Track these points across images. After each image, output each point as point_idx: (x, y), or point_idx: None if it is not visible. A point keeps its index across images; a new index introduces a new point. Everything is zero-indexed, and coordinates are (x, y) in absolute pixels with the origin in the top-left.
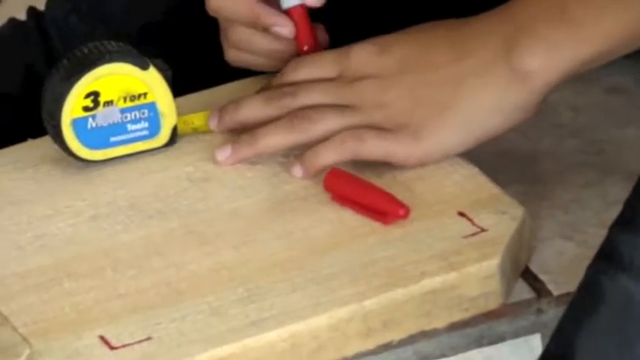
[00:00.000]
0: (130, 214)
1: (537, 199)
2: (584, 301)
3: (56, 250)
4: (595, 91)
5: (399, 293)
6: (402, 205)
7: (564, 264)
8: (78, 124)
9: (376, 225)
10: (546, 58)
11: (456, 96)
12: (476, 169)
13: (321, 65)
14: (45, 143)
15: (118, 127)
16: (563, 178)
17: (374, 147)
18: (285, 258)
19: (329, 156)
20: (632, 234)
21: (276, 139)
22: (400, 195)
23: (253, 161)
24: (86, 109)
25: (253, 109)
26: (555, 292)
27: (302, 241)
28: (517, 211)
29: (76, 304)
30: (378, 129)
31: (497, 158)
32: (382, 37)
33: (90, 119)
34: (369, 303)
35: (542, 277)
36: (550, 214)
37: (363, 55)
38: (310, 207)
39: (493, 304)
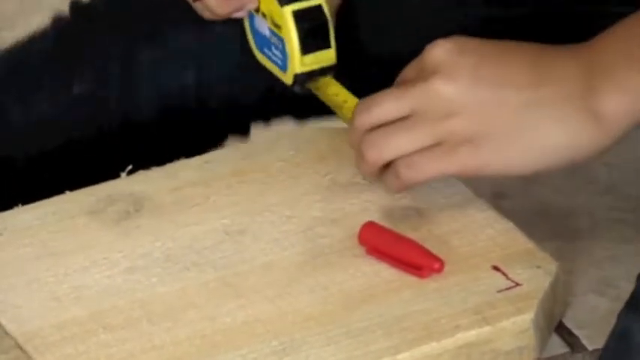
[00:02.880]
0: (165, 266)
1: (571, 254)
2: (617, 352)
3: (92, 301)
4: (630, 147)
5: (432, 347)
6: (436, 258)
7: (598, 319)
8: (251, 19)
9: (411, 279)
10: (622, 102)
11: (524, 124)
12: (510, 224)
13: (402, 97)
14: (82, 195)
15: (266, 42)
16: (597, 234)
17: (426, 172)
18: (320, 311)
19: (431, 167)
20: None
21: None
22: (435, 249)
23: (289, 215)
24: (256, 9)
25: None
26: (589, 347)
27: (336, 295)
28: (551, 266)
29: (111, 355)
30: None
31: (532, 214)
32: (464, 37)
33: (256, 19)
34: (403, 357)
35: (576, 332)
36: (584, 270)
37: (438, 52)
38: (345, 260)
39: (527, 358)
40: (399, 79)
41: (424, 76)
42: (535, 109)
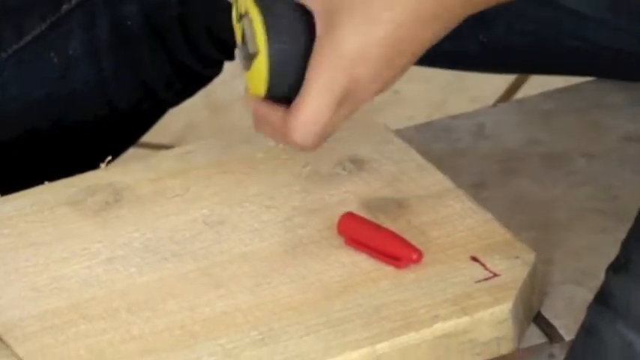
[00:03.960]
0: (145, 256)
1: (550, 244)
2: (585, 345)
3: (72, 292)
4: (609, 138)
5: (411, 337)
6: (415, 249)
7: (576, 309)
8: None
9: (389, 269)
10: None
11: None
12: (489, 215)
13: None
14: (61, 186)
15: None
16: (576, 224)
17: None
18: (299, 301)
19: None
20: (626, 278)
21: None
22: (413, 239)
23: (268, 205)
24: None
25: None
26: (567, 338)
27: (315, 285)
28: (529, 257)
29: (91, 345)
30: None
31: (511, 204)
32: None
33: None
34: (382, 347)
35: (554, 322)
36: (562, 260)
37: None
38: (324, 251)
39: (505, 348)
40: None
41: None
42: None
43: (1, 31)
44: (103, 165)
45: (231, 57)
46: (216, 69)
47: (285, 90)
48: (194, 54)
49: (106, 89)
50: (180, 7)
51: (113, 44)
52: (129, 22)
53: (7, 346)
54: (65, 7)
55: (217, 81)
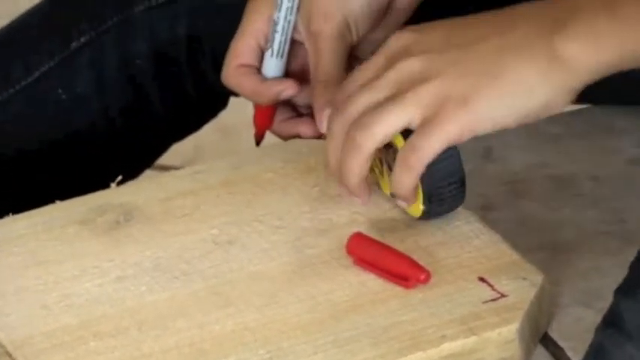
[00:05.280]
0: (155, 275)
1: (557, 266)
2: None
3: (82, 309)
4: (616, 162)
5: (419, 357)
6: (423, 269)
7: (583, 331)
8: None
9: (397, 289)
10: (588, 45)
11: (498, 66)
12: (497, 236)
13: (366, 71)
14: (72, 205)
15: None
16: (583, 246)
17: (431, 148)
18: (307, 320)
19: (435, 137)
20: (635, 300)
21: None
22: (422, 260)
23: (277, 225)
24: None
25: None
26: (574, 359)
27: (324, 304)
28: (537, 278)
29: None
30: (427, 123)
31: (518, 226)
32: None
33: None
34: None
35: (561, 343)
36: (570, 282)
37: (402, 38)
38: (332, 271)
39: None
40: (360, 70)
41: (392, 63)
42: (507, 53)
43: (11, 66)
44: (113, 185)
45: (235, 92)
46: (224, 103)
47: (443, 208)
48: (202, 89)
49: (113, 126)
50: (189, 43)
51: (121, 81)
52: (138, 61)
53: None
54: (74, 44)
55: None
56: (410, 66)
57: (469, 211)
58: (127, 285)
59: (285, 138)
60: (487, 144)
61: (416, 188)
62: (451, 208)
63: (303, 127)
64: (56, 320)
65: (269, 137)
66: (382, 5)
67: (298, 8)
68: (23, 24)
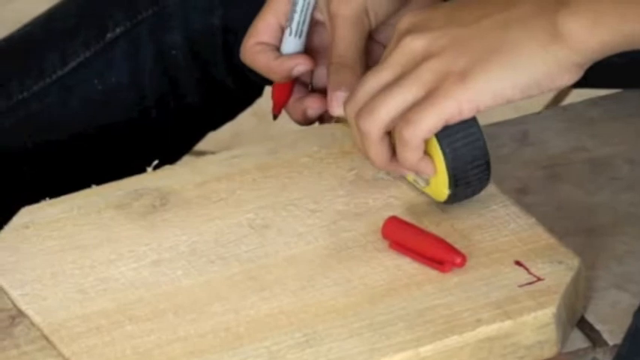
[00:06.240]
0: (191, 259)
1: (593, 250)
2: (631, 351)
3: (118, 293)
4: None
5: (454, 340)
6: (458, 253)
7: (619, 314)
8: None
9: (433, 273)
10: (590, 24)
11: (500, 40)
12: (533, 219)
13: (382, 69)
14: (108, 189)
15: None
16: (619, 229)
17: (424, 122)
18: (343, 304)
19: (427, 115)
20: None
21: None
22: (457, 243)
23: (313, 209)
24: None
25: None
26: (610, 342)
27: (359, 288)
28: (573, 261)
29: (137, 346)
30: (424, 99)
31: (554, 210)
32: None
33: None
34: (425, 350)
35: (597, 326)
36: (605, 265)
37: (407, 20)
38: (368, 254)
39: (549, 352)
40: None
41: (397, 44)
42: (509, 28)
43: (46, 56)
44: (149, 169)
45: (271, 81)
46: (259, 91)
47: (469, 192)
48: (237, 80)
49: (148, 116)
50: (225, 34)
51: (156, 72)
52: (173, 51)
53: (54, 346)
54: (110, 35)
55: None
56: (412, 45)
57: (505, 195)
58: (162, 269)
59: (296, 118)
60: (524, 128)
61: (432, 164)
62: (476, 192)
63: (310, 102)
64: (92, 304)
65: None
66: None
67: None
68: (59, 14)
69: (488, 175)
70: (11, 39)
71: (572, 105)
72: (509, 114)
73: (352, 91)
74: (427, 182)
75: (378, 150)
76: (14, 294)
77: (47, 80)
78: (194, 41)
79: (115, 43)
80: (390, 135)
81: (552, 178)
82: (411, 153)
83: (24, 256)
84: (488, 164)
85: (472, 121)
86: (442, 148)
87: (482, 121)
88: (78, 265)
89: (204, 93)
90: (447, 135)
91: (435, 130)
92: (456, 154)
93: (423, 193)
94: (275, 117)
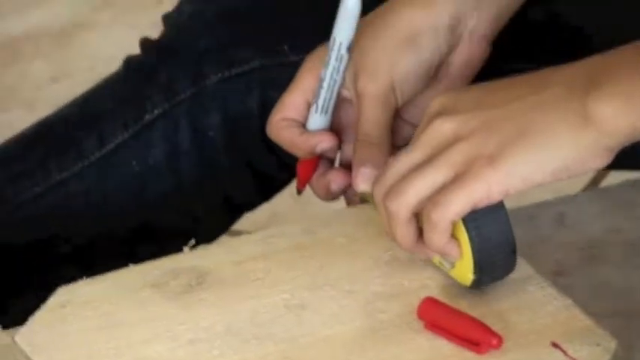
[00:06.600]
0: (226, 338)
1: (630, 332)
2: None
3: None
4: None
5: None
6: (495, 334)
7: None
8: None
9: (469, 354)
10: (621, 106)
11: (530, 123)
12: (569, 301)
13: (411, 150)
14: (145, 269)
15: None
16: None
17: (453, 205)
18: None
19: (455, 198)
20: None
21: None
22: (494, 325)
23: (349, 289)
24: None
25: None
26: None
27: None
28: (610, 344)
29: None
30: (453, 181)
31: (591, 291)
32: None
33: None
34: None
35: None
36: None
37: (438, 102)
38: (404, 335)
39: None
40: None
41: (427, 126)
42: (540, 111)
43: (85, 137)
44: (186, 248)
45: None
46: (294, 173)
47: (494, 277)
48: (274, 162)
49: (185, 198)
50: (262, 118)
51: (194, 154)
52: (210, 133)
53: None
54: (148, 116)
55: None
56: (442, 128)
57: (542, 277)
58: (199, 349)
59: (320, 193)
60: (561, 210)
61: (459, 247)
62: (500, 277)
63: (334, 176)
64: None
65: (341, 202)
66: (430, 69)
67: (347, 67)
68: (97, 95)
69: (514, 261)
70: (48, 121)
71: (608, 187)
72: (547, 195)
73: (380, 171)
74: (453, 265)
75: (405, 231)
76: None
77: (86, 162)
78: (231, 122)
79: (153, 125)
80: (417, 217)
81: (589, 259)
82: (438, 236)
83: (60, 336)
84: (514, 251)
85: (499, 206)
86: (469, 232)
87: (520, 202)
88: (114, 345)
89: (241, 175)
90: (473, 219)
91: (464, 213)
92: (482, 239)
93: (449, 276)
94: (299, 192)
